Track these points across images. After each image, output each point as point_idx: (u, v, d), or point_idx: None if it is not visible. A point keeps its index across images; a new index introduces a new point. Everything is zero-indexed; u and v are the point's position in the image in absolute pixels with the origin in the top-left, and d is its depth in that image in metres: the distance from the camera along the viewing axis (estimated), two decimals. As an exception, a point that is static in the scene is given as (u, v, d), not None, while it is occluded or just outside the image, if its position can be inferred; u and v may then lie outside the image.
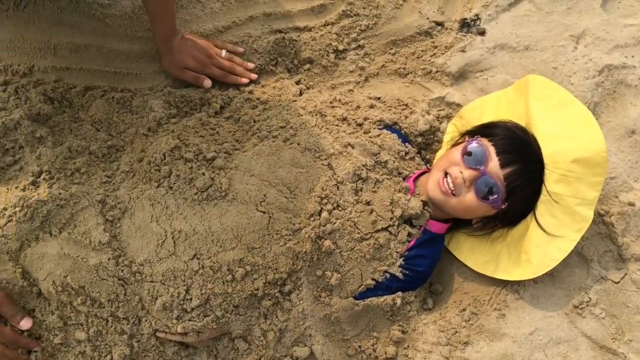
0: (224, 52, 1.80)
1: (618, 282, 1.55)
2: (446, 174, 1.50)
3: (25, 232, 1.40)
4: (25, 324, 1.36)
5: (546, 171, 1.46)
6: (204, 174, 1.46)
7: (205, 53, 1.76)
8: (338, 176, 1.51)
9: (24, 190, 1.51)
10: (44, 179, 1.52)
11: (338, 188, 1.49)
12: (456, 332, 1.52)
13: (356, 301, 1.47)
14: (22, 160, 1.59)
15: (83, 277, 1.35)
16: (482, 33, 1.83)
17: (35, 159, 1.56)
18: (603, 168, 1.44)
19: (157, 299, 1.36)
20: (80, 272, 1.36)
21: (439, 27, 1.88)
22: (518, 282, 1.55)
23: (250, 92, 1.83)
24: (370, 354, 1.49)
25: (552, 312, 1.52)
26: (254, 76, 1.82)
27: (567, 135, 1.47)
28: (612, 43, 1.76)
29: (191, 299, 1.38)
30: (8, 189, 1.53)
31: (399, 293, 1.52)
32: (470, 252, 1.62)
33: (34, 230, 1.41)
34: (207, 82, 1.76)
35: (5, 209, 1.43)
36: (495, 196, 1.44)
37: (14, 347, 1.38)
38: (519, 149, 1.47)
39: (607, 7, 1.82)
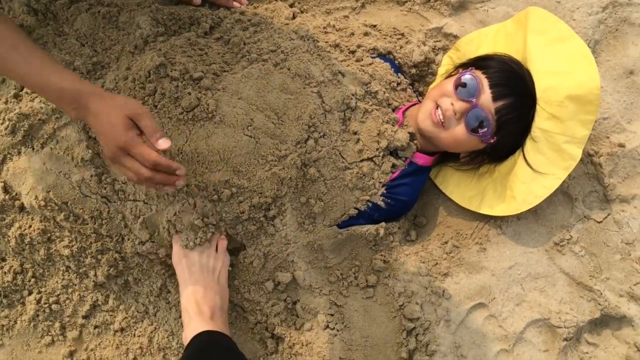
0: None
1: (600, 222, 1.56)
2: (437, 105, 1.47)
3: (7, 146, 1.39)
4: (164, 143, 1.17)
5: (538, 107, 1.43)
6: (189, 93, 1.43)
7: None
8: (327, 104, 1.48)
9: (5, 103, 1.48)
10: (27, 92, 1.48)
11: (326, 117, 1.47)
12: (437, 263, 1.54)
13: (339, 230, 1.48)
14: (4, 73, 1.54)
15: (66, 193, 1.35)
16: (486, -39, 1.75)
17: (17, 72, 1.52)
18: (595, 106, 1.41)
19: (139, 217, 1.36)
20: (62, 187, 1.35)
21: (442, -46, 1.79)
22: (501, 218, 1.56)
23: (242, 13, 1.76)
24: (351, 282, 1.52)
25: (532, 248, 1.54)
26: (244, 1, 1.75)
27: (562, 71, 1.44)
28: (619, -22, 1.69)
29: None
30: (-11, 101, 1.50)
31: (382, 223, 1.52)
32: (456, 186, 1.62)
33: (16, 144, 1.39)
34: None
35: (-14, 121, 1.41)
36: (485, 129, 1.42)
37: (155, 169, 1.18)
38: (513, 83, 1.44)
39: (618, -61, 1.73)
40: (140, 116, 1.18)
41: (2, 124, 1.39)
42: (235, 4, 1.74)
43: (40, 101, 1.44)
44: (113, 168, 1.36)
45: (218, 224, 1.39)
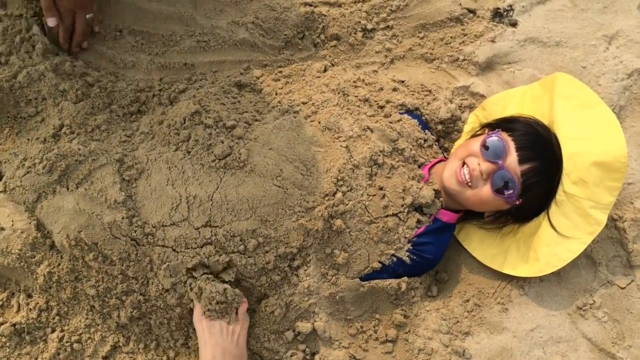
0: (89, 16, 1.69)
1: (624, 288, 1.55)
2: (464, 164, 1.49)
3: (43, 185, 1.42)
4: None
5: (564, 171, 1.45)
6: (222, 141, 1.47)
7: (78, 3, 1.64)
8: (355, 159, 1.51)
9: (44, 142, 1.52)
10: (65, 132, 1.53)
11: (353, 171, 1.50)
12: (458, 321, 1.54)
13: (362, 282, 1.48)
14: (44, 112, 1.60)
15: (97, 234, 1.37)
16: (514, 24, 1.80)
17: (57, 112, 1.58)
18: (622, 173, 1.43)
19: (165, 263, 1.38)
20: (94, 228, 1.37)
21: (471, 15, 1.84)
22: (524, 279, 1.56)
23: (274, 64, 1.82)
24: (371, 335, 1.52)
25: (555, 311, 1.53)
26: (75, 50, 1.73)
27: (589, 138, 1.46)
28: (645, 47, 1.73)
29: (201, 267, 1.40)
30: (29, 139, 1.55)
31: (405, 278, 1.53)
32: (479, 243, 1.63)
33: (52, 184, 1.43)
34: (52, 21, 1.63)
35: (25, 159, 1.45)
36: (511, 191, 1.44)
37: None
38: (539, 147, 1.46)
39: (644, 9, 1.78)
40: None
41: (40, 162, 1.43)
42: (73, 49, 1.72)
43: (78, 142, 1.49)
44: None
45: (239, 295, 1.41)
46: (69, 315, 1.49)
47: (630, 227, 1.57)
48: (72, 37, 1.68)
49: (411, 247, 1.52)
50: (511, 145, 1.45)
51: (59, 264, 1.42)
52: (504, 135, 1.48)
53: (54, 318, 1.48)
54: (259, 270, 1.41)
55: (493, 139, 1.46)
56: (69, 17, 1.64)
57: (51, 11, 1.61)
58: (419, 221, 1.53)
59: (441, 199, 1.56)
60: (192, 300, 1.40)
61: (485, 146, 1.46)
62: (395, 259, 1.50)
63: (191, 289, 1.39)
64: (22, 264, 1.42)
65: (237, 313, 1.41)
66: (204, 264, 1.39)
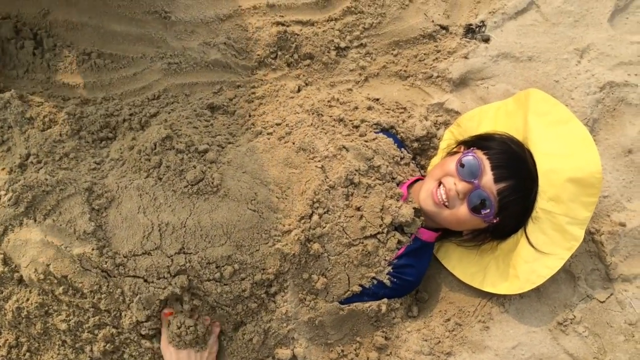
0: None
1: (603, 302, 1.55)
2: (440, 184, 1.48)
3: (10, 217, 1.38)
4: None
5: (540, 188, 1.45)
6: (195, 166, 1.44)
7: None
8: (330, 180, 1.49)
9: (10, 172, 1.48)
10: (32, 162, 1.49)
11: (329, 192, 1.48)
12: (439, 341, 1.52)
13: (341, 305, 1.46)
14: (10, 141, 1.55)
15: (66, 267, 1.33)
16: (486, 40, 1.80)
17: (23, 140, 1.53)
18: (597, 189, 1.43)
19: (137, 295, 1.34)
20: (63, 261, 1.33)
21: (444, 31, 1.85)
22: (504, 296, 1.55)
23: (247, 85, 1.80)
24: (352, 359, 1.49)
25: (535, 327, 1.52)
26: None
27: (564, 154, 1.46)
28: (616, 59, 1.74)
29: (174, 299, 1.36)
30: (-6, 170, 1.50)
31: (385, 300, 1.51)
32: (458, 261, 1.62)
33: (19, 216, 1.38)
34: None
35: (-10, 191, 1.40)
36: (488, 210, 1.43)
37: None
38: (514, 165, 1.45)
39: (614, 22, 1.79)
40: None
41: (6, 194, 1.39)
42: None
43: (46, 172, 1.44)
44: None
45: (209, 326, 1.40)
46: (41, 351, 1.44)
47: (607, 240, 1.58)
48: None
49: (392, 270, 1.50)
50: (486, 164, 1.44)
51: (28, 299, 1.38)
52: (479, 153, 1.47)
53: (24, 354, 1.43)
54: (235, 298, 1.38)
55: (468, 157, 1.46)
56: None
57: None
58: (399, 242, 1.51)
59: (421, 217, 1.55)
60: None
61: (460, 165, 1.45)
62: (375, 281, 1.48)
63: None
64: (-12, 300, 1.38)
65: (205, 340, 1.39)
66: (176, 297, 1.36)
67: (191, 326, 1.34)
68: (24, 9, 1.74)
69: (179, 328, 1.33)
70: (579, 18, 1.81)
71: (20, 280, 1.38)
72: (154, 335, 1.39)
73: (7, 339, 1.42)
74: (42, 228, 1.37)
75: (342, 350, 1.50)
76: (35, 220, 1.38)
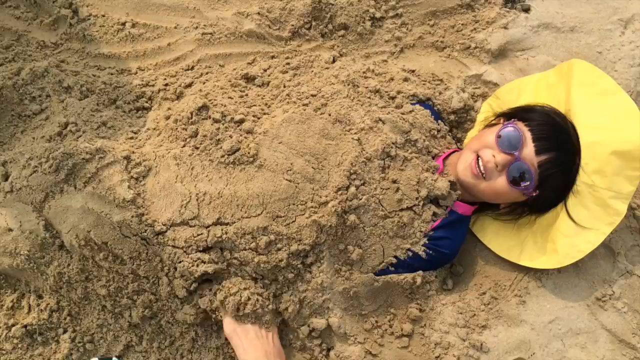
0: None
1: (643, 278, 1.52)
2: (478, 156, 1.46)
3: (50, 184, 1.40)
4: None
5: (582, 161, 1.42)
6: (231, 136, 1.44)
7: None
8: (367, 152, 1.47)
9: (49, 141, 1.50)
10: (71, 130, 1.50)
11: (366, 164, 1.46)
12: (474, 314, 1.51)
13: (376, 277, 1.46)
14: (49, 110, 1.57)
15: (106, 233, 1.35)
16: (526, 10, 1.76)
17: (62, 109, 1.55)
18: (642, 162, 1.39)
19: (177, 265, 1.35)
20: (103, 227, 1.35)
21: (482, 1, 1.80)
22: (541, 270, 1.53)
23: (281, 55, 1.79)
24: (386, 330, 1.49)
25: (573, 302, 1.50)
26: None
27: (608, 126, 1.42)
28: (662, 30, 1.68)
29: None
30: (34, 138, 1.52)
31: (420, 272, 1.50)
32: (494, 235, 1.60)
33: (59, 183, 1.40)
34: None
35: (30, 158, 1.42)
36: (527, 183, 1.41)
37: None
38: (557, 137, 1.42)
39: (660, -9, 1.74)
40: None
41: (47, 162, 1.40)
42: None
43: (85, 140, 1.46)
44: None
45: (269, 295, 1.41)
46: (81, 315, 1.47)
47: (649, 216, 1.54)
48: None
49: (427, 242, 1.49)
50: (528, 136, 1.41)
51: (69, 264, 1.40)
52: (520, 125, 1.44)
53: (65, 318, 1.46)
54: (272, 269, 1.39)
55: (509, 129, 1.43)
56: None
57: None
58: (434, 214, 1.50)
59: (457, 190, 1.53)
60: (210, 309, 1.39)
61: (500, 137, 1.43)
62: (411, 253, 1.48)
63: (216, 297, 1.38)
64: (31, 265, 1.40)
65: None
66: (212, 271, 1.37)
67: (257, 300, 1.35)
68: (60, -21, 1.74)
69: (243, 303, 1.35)
70: (623, -13, 1.75)
71: (62, 246, 1.40)
72: (192, 300, 1.40)
73: (49, 303, 1.45)
74: (83, 195, 1.38)
75: (376, 321, 1.50)
76: (75, 188, 1.40)
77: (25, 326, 1.44)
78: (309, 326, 1.46)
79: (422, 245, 1.49)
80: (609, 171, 1.39)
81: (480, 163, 1.44)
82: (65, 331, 1.46)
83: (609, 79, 1.48)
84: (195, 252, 1.35)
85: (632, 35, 1.70)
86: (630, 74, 1.66)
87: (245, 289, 1.37)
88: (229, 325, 1.37)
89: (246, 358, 1.32)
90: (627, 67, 1.66)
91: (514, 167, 1.40)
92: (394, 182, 1.48)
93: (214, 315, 1.41)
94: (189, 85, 1.67)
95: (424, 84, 1.73)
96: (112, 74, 1.69)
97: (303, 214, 1.40)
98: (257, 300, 1.37)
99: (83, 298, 1.43)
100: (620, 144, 1.38)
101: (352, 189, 1.42)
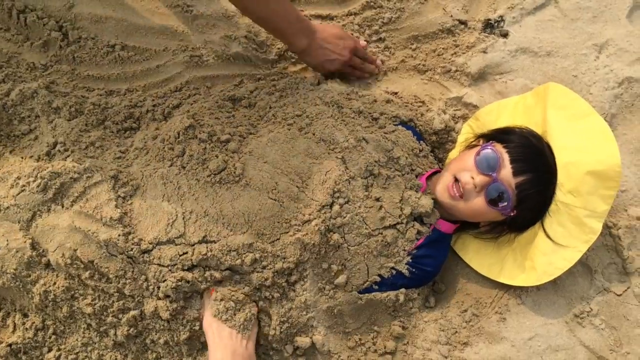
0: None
1: (620, 295, 1.56)
2: (456, 179, 1.49)
3: (38, 203, 1.41)
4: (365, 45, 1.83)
5: (558, 181, 1.46)
6: (217, 156, 1.47)
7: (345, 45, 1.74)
8: (350, 171, 1.51)
9: (38, 160, 1.52)
10: (59, 150, 1.53)
11: (350, 183, 1.50)
12: (456, 332, 1.54)
13: (360, 295, 1.48)
14: (38, 130, 1.59)
15: (92, 252, 1.36)
16: (504, 35, 1.82)
17: (50, 129, 1.57)
18: (616, 182, 1.44)
19: (161, 283, 1.37)
20: (90, 246, 1.36)
21: (462, 26, 1.86)
22: (521, 288, 1.57)
23: (267, 78, 1.83)
24: (369, 347, 1.51)
25: (552, 319, 1.53)
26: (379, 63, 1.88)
27: (583, 148, 1.47)
28: (634, 55, 1.74)
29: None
30: (22, 157, 1.54)
31: (403, 289, 1.53)
32: (475, 253, 1.63)
33: (47, 202, 1.42)
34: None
35: (19, 177, 1.44)
36: (505, 203, 1.44)
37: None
38: (533, 158, 1.47)
39: (632, 18, 1.80)
40: (345, 35, 1.75)
41: (34, 181, 1.42)
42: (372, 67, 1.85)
43: (73, 160, 1.48)
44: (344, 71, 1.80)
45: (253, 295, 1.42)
46: (66, 334, 1.47)
47: (624, 234, 1.59)
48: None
49: (410, 260, 1.52)
50: (505, 158, 1.45)
51: (55, 283, 1.41)
52: (498, 147, 1.49)
53: (50, 337, 1.46)
54: (257, 288, 1.41)
55: (487, 151, 1.47)
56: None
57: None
58: (418, 232, 1.53)
59: (439, 208, 1.57)
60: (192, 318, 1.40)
61: (479, 158, 1.47)
62: (394, 271, 1.50)
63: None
64: (17, 283, 1.41)
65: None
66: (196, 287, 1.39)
67: (239, 302, 1.37)
68: (50, 2, 1.77)
69: (224, 301, 1.36)
70: (597, 14, 1.81)
71: (48, 265, 1.41)
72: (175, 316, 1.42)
73: (34, 322, 1.45)
74: (70, 214, 1.40)
75: (360, 339, 1.52)
76: (62, 207, 1.42)
77: (10, 345, 1.44)
78: (293, 344, 1.48)
79: (406, 264, 1.51)
80: (584, 191, 1.43)
81: (457, 186, 1.48)
82: (50, 350, 1.46)
83: (582, 102, 1.54)
84: (180, 271, 1.37)
85: (606, 59, 1.76)
86: (605, 96, 1.71)
87: (233, 291, 1.39)
88: (207, 319, 1.39)
89: (213, 354, 1.35)
90: (601, 90, 1.72)
91: (492, 188, 1.44)
92: (377, 200, 1.51)
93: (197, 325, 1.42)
94: (177, 106, 1.70)
95: (406, 106, 1.78)
96: (101, 95, 1.72)
97: (287, 232, 1.43)
98: (239, 305, 1.38)
99: (68, 317, 1.44)
100: (595, 164, 1.43)
101: (336, 207, 1.45)
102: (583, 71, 1.75)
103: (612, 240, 1.60)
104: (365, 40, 1.87)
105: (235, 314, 1.37)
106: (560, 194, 1.46)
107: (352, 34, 1.87)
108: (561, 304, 1.56)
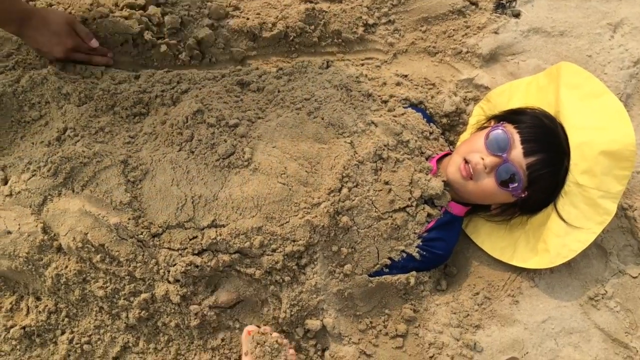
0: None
1: (636, 277, 1.53)
2: (466, 161, 1.47)
3: (49, 188, 1.43)
4: (95, 43, 1.66)
5: (572, 162, 1.44)
6: (226, 140, 1.47)
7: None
8: (359, 155, 1.49)
9: (48, 145, 1.52)
10: (69, 135, 1.53)
11: (358, 167, 1.48)
12: (468, 314, 1.52)
13: (370, 278, 1.47)
14: (48, 116, 1.60)
15: (103, 236, 1.37)
16: (516, 15, 1.78)
17: (60, 115, 1.58)
18: (631, 162, 1.41)
19: (171, 267, 1.38)
20: (100, 230, 1.37)
21: (473, 7, 1.83)
22: (534, 270, 1.55)
23: (276, 61, 1.82)
24: (380, 330, 1.51)
25: (566, 302, 1.52)
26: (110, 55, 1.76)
27: (597, 127, 1.44)
28: (650, 34, 1.71)
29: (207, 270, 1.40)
30: (33, 143, 1.55)
31: (413, 272, 1.52)
32: (487, 236, 1.62)
33: (57, 186, 1.43)
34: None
35: (30, 163, 1.45)
36: (516, 184, 1.42)
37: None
38: (545, 138, 1.44)
39: (648, -5, 1.77)
40: (75, 23, 1.62)
41: (45, 166, 1.43)
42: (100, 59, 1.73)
43: (82, 145, 1.49)
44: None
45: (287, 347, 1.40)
46: (78, 316, 1.49)
47: (640, 216, 1.56)
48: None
49: (421, 243, 1.50)
50: (516, 138, 1.43)
51: (67, 266, 1.42)
52: (509, 127, 1.46)
53: (63, 320, 1.48)
54: (268, 271, 1.41)
55: (497, 131, 1.45)
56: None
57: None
58: (429, 215, 1.52)
59: (450, 190, 1.55)
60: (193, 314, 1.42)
61: (488, 139, 1.45)
62: (404, 254, 1.49)
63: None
64: (29, 267, 1.42)
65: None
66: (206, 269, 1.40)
67: (274, 349, 1.36)
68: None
69: (260, 345, 1.35)
70: (612, -8, 1.78)
71: (59, 249, 1.43)
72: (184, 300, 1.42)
73: (47, 305, 1.47)
74: (80, 198, 1.41)
75: (371, 322, 1.51)
76: (73, 191, 1.43)
77: (24, 328, 1.45)
78: (304, 327, 1.48)
79: (416, 247, 1.50)
80: (598, 171, 1.41)
81: (470, 166, 1.46)
82: (63, 333, 1.48)
83: (596, 81, 1.50)
84: (190, 255, 1.38)
85: (621, 38, 1.73)
86: (620, 76, 1.68)
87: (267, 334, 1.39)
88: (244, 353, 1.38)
89: None
90: (616, 70, 1.69)
91: (503, 168, 1.42)
92: (387, 183, 1.50)
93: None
94: (185, 91, 1.70)
95: (416, 88, 1.76)
96: (110, 81, 1.72)
97: (296, 215, 1.42)
98: (275, 352, 1.37)
99: (80, 300, 1.45)
100: (609, 144, 1.40)
101: (345, 191, 1.44)
102: (597, 51, 1.72)
103: (628, 222, 1.58)
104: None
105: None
106: (573, 175, 1.43)
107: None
108: (575, 286, 1.54)
